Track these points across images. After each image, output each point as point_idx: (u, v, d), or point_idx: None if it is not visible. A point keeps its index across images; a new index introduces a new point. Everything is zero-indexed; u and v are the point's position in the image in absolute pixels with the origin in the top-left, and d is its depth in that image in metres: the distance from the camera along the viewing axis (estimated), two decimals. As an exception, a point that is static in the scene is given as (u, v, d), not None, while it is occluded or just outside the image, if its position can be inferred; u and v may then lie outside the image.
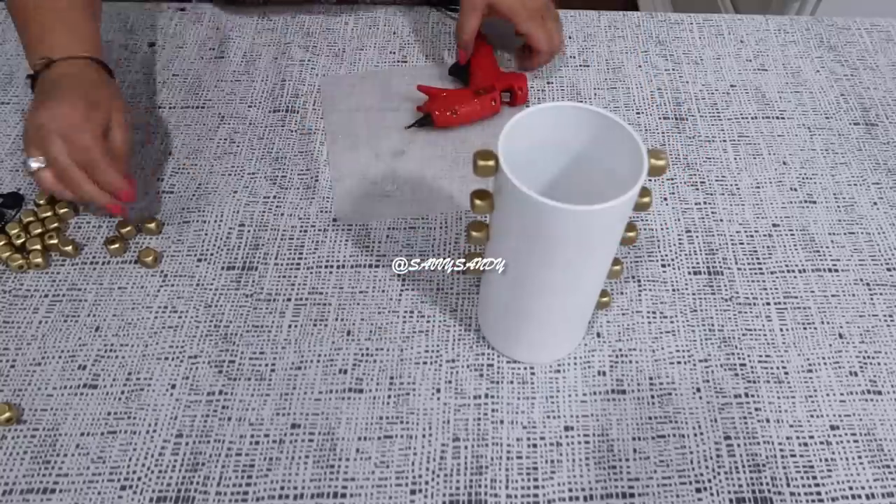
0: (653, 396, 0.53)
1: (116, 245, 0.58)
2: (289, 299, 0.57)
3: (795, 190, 0.66)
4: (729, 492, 0.48)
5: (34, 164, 0.54)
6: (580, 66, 0.76)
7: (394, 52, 0.77)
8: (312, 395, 0.52)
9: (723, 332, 0.56)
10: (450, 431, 0.51)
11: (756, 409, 0.52)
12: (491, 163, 0.41)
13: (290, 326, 0.56)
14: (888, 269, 0.60)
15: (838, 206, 0.65)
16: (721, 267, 0.60)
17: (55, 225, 0.59)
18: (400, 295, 0.57)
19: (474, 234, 0.46)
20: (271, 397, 0.52)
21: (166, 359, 0.54)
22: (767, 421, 0.52)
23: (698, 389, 0.53)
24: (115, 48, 0.76)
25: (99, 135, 0.55)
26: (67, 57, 0.58)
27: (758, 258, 0.61)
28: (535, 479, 0.49)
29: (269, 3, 0.80)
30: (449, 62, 0.76)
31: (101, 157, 0.54)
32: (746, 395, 0.53)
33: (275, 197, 0.64)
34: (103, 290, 0.57)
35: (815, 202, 0.65)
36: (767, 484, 0.49)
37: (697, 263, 0.60)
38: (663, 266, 0.60)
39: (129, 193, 0.55)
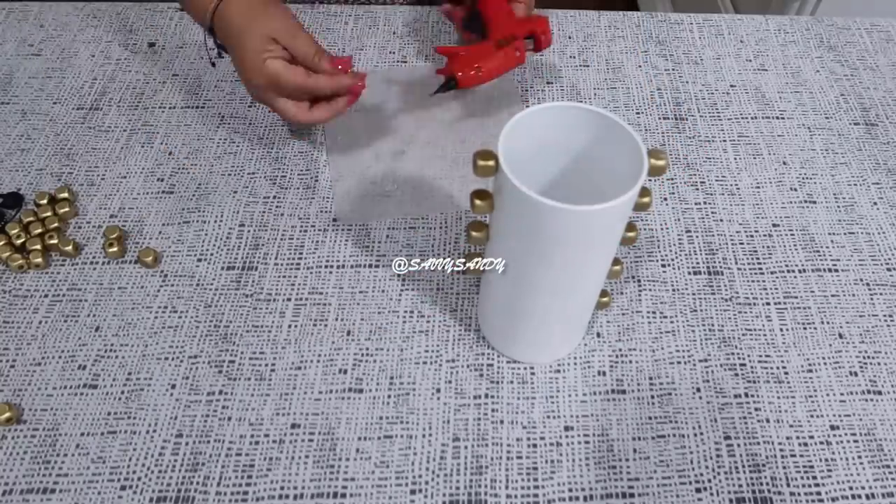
0: (653, 396, 0.53)
1: (115, 248, 0.58)
2: (289, 299, 0.57)
3: (795, 190, 0.66)
4: (729, 492, 0.48)
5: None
6: (580, 66, 0.76)
7: (394, 52, 0.77)
8: (312, 395, 0.52)
9: (723, 332, 0.56)
10: (450, 431, 0.51)
11: (756, 409, 0.52)
12: (491, 163, 0.41)
13: (290, 326, 0.56)
14: (888, 269, 0.60)
15: (838, 206, 0.65)
16: (721, 267, 0.60)
17: (55, 225, 0.59)
18: (400, 295, 0.57)
19: (474, 234, 0.46)
20: (271, 397, 0.52)
21: (166, 359, 0.54)
22: (767, 421, 0.52)
23: (698, 389, 0.53)
24: (114, 48, 0.76)
25: (277, 73, 0.57)
26: (213, 12, 0.59)
27: (758, 258, 0.61)
28: (535, 479, 0.49)
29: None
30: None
31: (299, 76, 0.57)
32: (746, 395, 0.53)
33: (275, 197, 0.64)
34: (103, 290, 0.57)
35: (815, 202, 0.65)
36: (767, 484, 0.49)
37: (697, 263, 0.60)
38: (663, 266, 0.60)
39: (347, 66, 0.60)
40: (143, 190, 0.64)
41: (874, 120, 0.72)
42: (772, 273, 0.60)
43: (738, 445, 0.50)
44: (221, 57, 0.63)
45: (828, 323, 0.57)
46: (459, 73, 0.62)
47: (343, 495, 0.48)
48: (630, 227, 0.46)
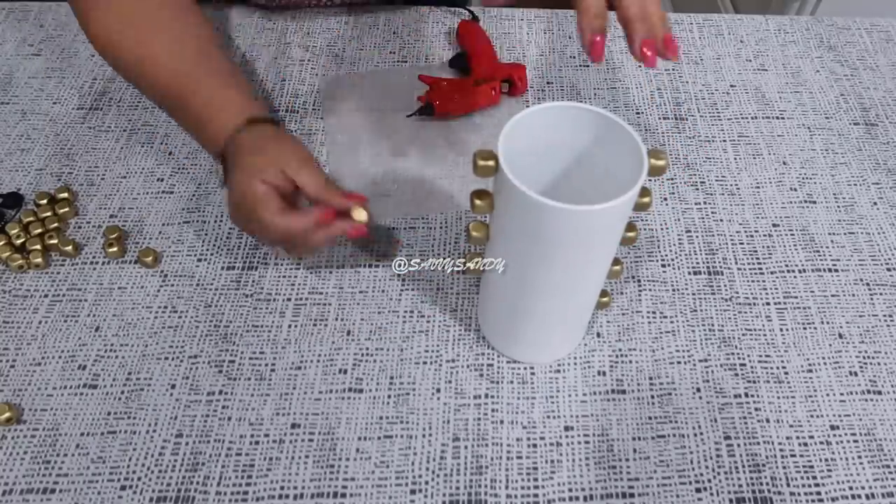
0: (653, 396, 0.53)
1: (115, 248, 0.58)
2: (289, 299, 0.57)
3: (795, 190, 0.66)
4: (729, 492, 0.48)
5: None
6: (580, 66, 0.76)
7: (394, 52, 0.77)
8: (312, 395, 0.52)
9: (723, 332, 0.56)
10: (450, 431, 0.51)
11: (756, 409, 0.52)
12: (491, 163, 0.41)
13: (290, 326, 0.56)
14: (888, 269, 0.60)
15: (838, 206, 0.65)
16: (721, 267, 0.60)
17: (55, 225, 0.59)
18: (400, 295, 0.57)
19: (474, 234, 0.46)
20: (271, 397, 0.52)
21: (166, 359, 0.54)
22: (767, 421, 0.52)
23: (698, 389, 0.53)
24: (115, 48, 0.76)
25: (261, 206, 0.51)
26: (224, 142, 0.55)
27: (758, 258, 0.61)
28: (535, 479, 0.49)
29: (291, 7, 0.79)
30: (449, 56, 0.76)
31: (277, 226, 0.51)
32: (746, 395, 0.53)
33: (275, 197, 0.64)
34: (103, 290, 0.57)
35: (815, 202, 0.65)
36: (767, 484, 0.49)
37: (697, 263, 0.60)
38: (663, 266, 0.60)
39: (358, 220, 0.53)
40: (143, 190, 0.64)
41: (874, 120, 0.72)
42: (772, 273, 0.60)
43: (738, 445, 0.50)
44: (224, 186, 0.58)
45: (828, 323, 0.57)
46: (437, 102, 0.68)
47: (343, 495, 0.48)
48: (630, 227, 0.46)
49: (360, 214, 0.52)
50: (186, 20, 0.60)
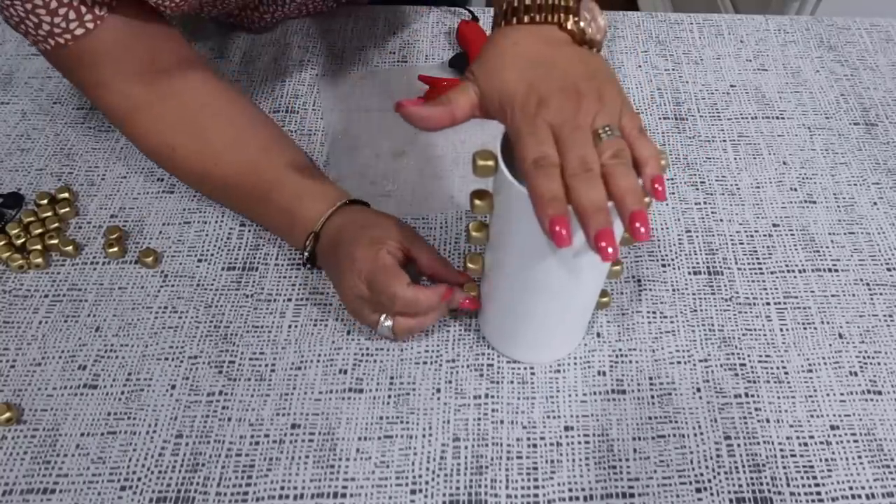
0: (653, 396, 0.53)
1: (115, 248, 0.58)
2: (289, 299, 0.57)
3: (795, 190, 0.66)
4: (729, 492, 0.48)
5: (387, 324, 0.52)
6: (580, 66, 0.76)
7: (394, 53, 0.77)
8: (312, 395, 0.52)
9: (723, 332, 0.56)
10: (450, 431, 0.51)
11: (756, 409, 0.52)
12: (490, 163, 0.41)
13: (290, 326, 0.56)
14: (888, 269, 0.60)
15: (838, 206, 0.65)
16: (721, 267, 0.60)
17: (55, 225, 0.59)
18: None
19: (474, 234, 0.46)
20: (271, 397, 0.52)
21: (166, 359, 0.54)
22: (767, 421, 0.52)
23: (698, 389, 0.53)
24: (115, 48, 0.76)
25: (395, 267, 0.51)
26: (324, 220, 0.54)
27: (758, 258, 0.61)
28: (535, 479, 0.49)
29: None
30: (449, 56, 0.76)
31: (406, 294, 0.50)
32: (746, 395, 0.53)
33: (275, 197, 0.64)
34: (103, 291, 0.57)
35: (815, 202, 0.65)
36: (767, 484, 0.49)
37: (697, 263, 0.60)
38: (663, 266, 0.60)
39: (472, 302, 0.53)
40: (144, 190, 0.64)
41: (874, 120, 0.72)
42: (772, 273, 0.60)
43: (738, 445, 0.50)
44: (308, 267, 0.58)
45: (828, 323, 0.57)
46: None
47: (343, 495, 0.48)
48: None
49: (472, 288, 0.53)
50: (244, 110, 0.60)
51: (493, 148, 0.41)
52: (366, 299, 0.51)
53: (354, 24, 0.80)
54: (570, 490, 0.48)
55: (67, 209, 0.61)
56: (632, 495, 0.48)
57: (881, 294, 0.59)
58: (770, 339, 0.56)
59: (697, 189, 0.66)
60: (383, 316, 0.52)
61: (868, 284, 0.59)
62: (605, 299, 0.53)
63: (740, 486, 0.49)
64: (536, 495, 0.48)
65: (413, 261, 0.54)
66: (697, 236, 0.62)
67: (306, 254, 0.56)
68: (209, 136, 0.58)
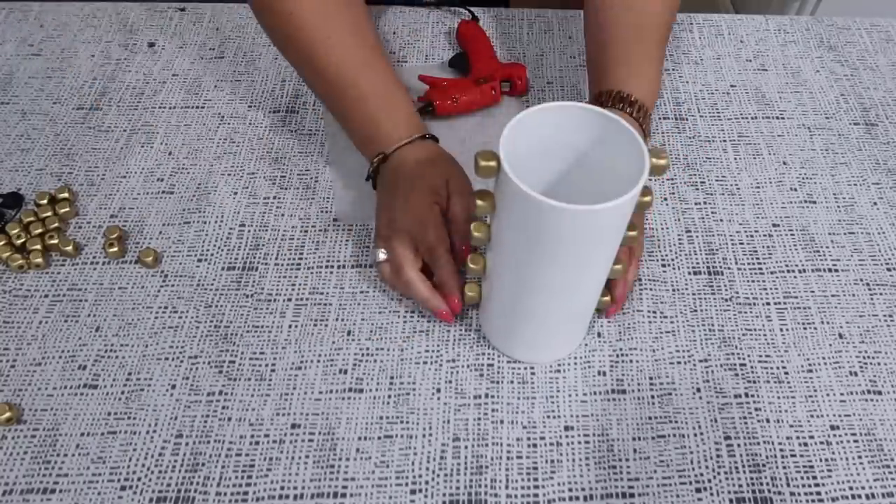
0: (653, 396, 0.53)
1: (115, 248, 0.58)
2: (289, 299, 0.57)
3: (795, 190, 0.66)
4: (729, 492, 0.48)
5: (381, 256, 0.55)
6: (580, 66, 0.76)
7: (394, 52, 0.77)
8: (312, 395, 0.52)
9: (723, 332, 0.56)
10: (450, 431, 0.51)
11: (756, 409, 0.52)
12: (492, 163, 0.41)
13: (290, 326, 0.55)
14: (888, 269, 0.60)
15: (838, 206, 0.65)
16: (721, 267, 0.60)
17: (55, 225, 0.59)
18: (400, 295, 0.57)
19: (476, 234, 0.46)
20: (271, 397, 0.52)
21: (166, 359, 0.54)
22: (767, 421, 0.52)
23: (698, 389, 0.53)
24: (114, 48, 0.76)
25: (441, 225, 0.55)
26: (397, 147, 0.57)
27: (758, 258, 0.61)
28: (535, 479, 0.49)
29: None
30: (449, 56, 0.76)
31: (444, 255, 0.54)
32: (746, 395, 0.53)
33: (275, 197, 0.64)
34: (103, 291, 0.57)
35: (815, 202, 0.65)
36: (767, 484, 0.49)
37: (697, 263, 0.60)
38: (663, 266, 0.60)
39: (456, 305, 0.54)
40: (143, 190, 0.64)
41: (874, 120, 0.72)
42: (772, 273, 0.60)
43: (738, 445, 0.50)
44: (371, 180, 0.60)
45: (828, 323, 0.57)
46: (437, 102, 0.68)
47: (343, 495, 0.48)
48: (631, 226, 0.46)
49: (472, 288, 0.53)
50: (359, 10, 0.61)
51: (493, 148, 0.41)
52: (403, 234, 0.54)
53: (354, 23, 0.79)
54: (570, 490, 0.48)
55: (67, 209, 0.61)
56: (632, 495, 0.48)
57: (881, 294, 0.59)
58: (770, 339, 0.56)
59: (697, 189, 0.66)
60: (383, 252, 0.55)
61: (868, 284, 0.59)
62: (606, 299, 0.53)
63: (740, 486, 0.49)
64: (536, 495, 0.48)
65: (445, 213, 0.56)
66: (697, 236, 0.62)
67: (370, 171, 0.59)
68: (363, 27, 0.60)
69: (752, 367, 0.54)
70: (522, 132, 0.43)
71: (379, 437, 0.50)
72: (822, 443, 0.51)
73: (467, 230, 0.54)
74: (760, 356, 0.55)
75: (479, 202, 0.43)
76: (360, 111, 0.59)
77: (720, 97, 0.74)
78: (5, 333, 0.55)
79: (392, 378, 0.53)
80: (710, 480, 0.49)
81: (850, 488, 0.49)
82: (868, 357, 0.55)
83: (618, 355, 0.55)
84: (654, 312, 0.57)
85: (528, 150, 0.45)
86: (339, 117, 0.62)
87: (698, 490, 0.48)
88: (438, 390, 0.53)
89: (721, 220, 0.63)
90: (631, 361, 0.54)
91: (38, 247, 0.58)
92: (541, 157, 0.47)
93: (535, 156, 0.46)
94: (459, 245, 0.55)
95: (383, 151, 0.58)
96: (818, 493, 0.48)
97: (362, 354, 0.54)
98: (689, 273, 0.60)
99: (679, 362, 0.54)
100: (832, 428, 0.51)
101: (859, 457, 0.50)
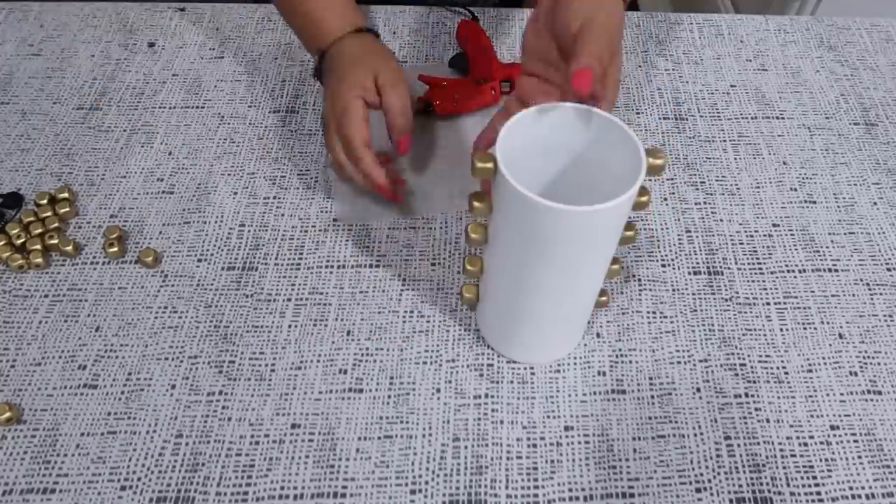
0: (653, 396, 0.53)
1: (115, 248, 0.58)
2: (289, 299, 0.57)
3: (795, 190, 0.66)
4: (729, 492, 0.48)
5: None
6: (580, 66, 0.76)
7: (394, 52, 0.76)
8: (312, 395, 0.52)
9: (723, 332, 0.56)
10: (450, 431, 0.51)
11: (756, 409, 0.52)
12: (489, 165, 0.41)
13: (290, 326, 0.56)
14: (888, 269, 0.60)
15: (838, 206, 0.65)
16: (721, 267, 0.60)
17: (55, 225, 0.59)
18: (400, 295, 0.57)
19: (473, 235, 0.46)
20: (271, 397, 0.52)
21: (166, 359, 0.54)
22: (767, 421, 0.52)
23: (698, 389, 0.53)
24: (114, 48, 0.76)
25: (359, 119, 0.57)
26: (332, 42, 0.60)
27: (758, 258, 0.61)
28: (535, 479, 0.49)
29: None
30: (449, 56, 0.76)
31: (360, 148, 0.57)
32: (746, 395, 0.53)
33: (275, 197, 0.64)
34: (103, 291, 0.57)
35: (815, 202, 0.65)
36: (767, 484, 0.49)
37: (697, 263, 0.60)
38: (663, 266, 0.60)
39: (387, 191, 0.58)
40: (143, 190, 0.64)
41: (874, 120, 0.72)
42: (772, 273, 0.60)
43: (738, 445, 0.50)
44: (316, 78, 0.64)
45: (828, 323, 0.57)
46: (437, 102, 0.69)
47: (343, 495, 0.48)
48: (629, 226, 0.46)
49: (469, 289, 0.53)
50: None
51: (491, 150, 0.41)
52: (332, 125, 0.58)
53: (354, 24, 0.79)
54: (570, 490, 0.48)
55: (67, 209, 0.61)
56: (632, 495, 0.48)
57: (881, 294, 0.59)
58: (770, 339, 0.56)
59: (697, 189, 0.66)
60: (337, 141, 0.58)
61: (868, 284, 0.59)
62: (603, 298, 0.53)
63: (740, 486, 0.49)
64: (536, 495, 0.48)
65: (380, 106, 0.58)
66: (697, 236, 0.62)
67: (313, 68, 0.62)
68: None
69: (752, 367, 0.54)
70: (519, 133, 0.43)
71: (379, 438, 0.50)
72: (822, 443, 0.51)
73: (403, 122, 0.58)
74: (760, 356, 0.55)
75: (476, 204, 0.43)
76: (301, 10, 0.61)
77: (720, 97, 0.74)
78: (5, 333, 0.55)
79: (392, 378, 0.53)
80: (710, 480, 0.49)
81: (850, 488, 0.49)
82: (868, 357, 0.55)
83: (617, 355, 0.55)
84: (654, 312, 0.57)
85: (524, 151, 0.45)
86: (286, 19, 0.64)
87: (698, 490, 0.48)
88: (438, 390, 0.53)
89: (721, 220, 0.63)
90: (631, 361, 0.54)
91: (38, 247, 0.58)
92: (538, 158, 0.47)
93: (532, 157, 0.46)
94: (396, 137, 0.58)
95: (321, 47, 0.60)
96: (818, 493, 0.48)
97: (362, 354, 0.54)
98: (689, 273, 0.60)
99: (679, 362, 0.54)
100: (832, 428, 0.51)
101: (859, 457, 0.50)
